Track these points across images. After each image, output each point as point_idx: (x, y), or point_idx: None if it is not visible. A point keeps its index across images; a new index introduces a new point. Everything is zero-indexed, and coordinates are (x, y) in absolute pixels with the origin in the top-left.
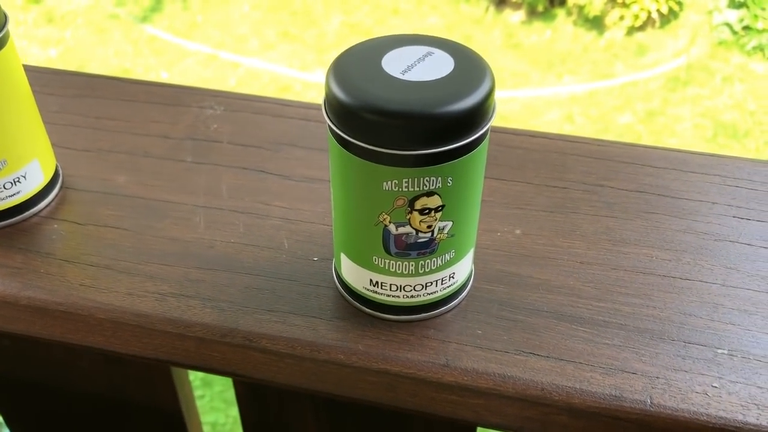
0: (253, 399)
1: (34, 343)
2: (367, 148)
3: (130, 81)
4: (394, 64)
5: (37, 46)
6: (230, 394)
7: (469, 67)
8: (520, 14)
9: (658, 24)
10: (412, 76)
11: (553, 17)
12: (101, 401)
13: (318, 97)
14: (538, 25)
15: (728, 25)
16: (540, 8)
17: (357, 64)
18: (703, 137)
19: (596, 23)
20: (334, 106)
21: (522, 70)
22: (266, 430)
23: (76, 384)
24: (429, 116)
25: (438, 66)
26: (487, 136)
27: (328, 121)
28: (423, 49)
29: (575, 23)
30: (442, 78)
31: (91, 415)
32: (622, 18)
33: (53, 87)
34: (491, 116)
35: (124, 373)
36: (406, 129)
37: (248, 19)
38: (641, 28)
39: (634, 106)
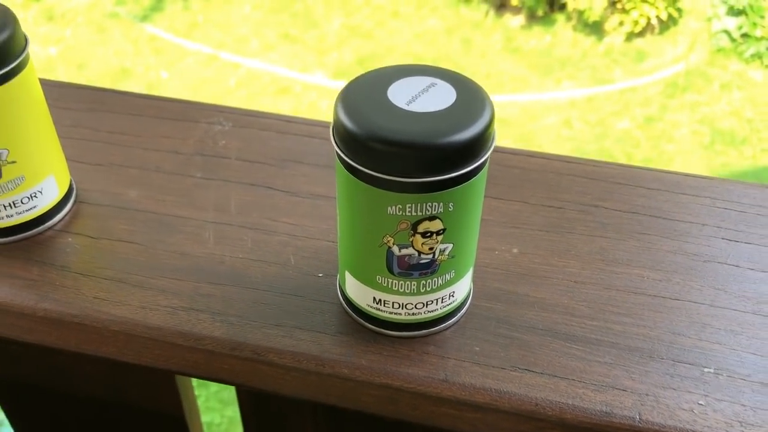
0: (255, 405)
1: (41, 348)
2: (372, 175)
3: (140, 96)
4: (399, 94)
5: (38, 44)
6: (226, 394)
7: (470, 98)
8: (520, 18)
9: (657, 30)
10: (416, 107)
11: (552, 22)
12: (105, 405)
13: (318, 99)
14: (537, 29)
15: (727, 32)
16: (540, 13)
17: (364, 93)
18: (701, 144)
19: (596, 29)
20: (341, 134)
21: (521, 74)
22: None
23: (80, 388)
24: (432, 146)
25: (441, 97)
26: (487, 164)
27: (336, 148)
28: (427, 80)
29: (575, 28)
30: (445, 109)
31: (95, 419)
32: (621, 24)
33: (66, 101)
34: (491, 145)
35: (127, 377)
36: (410, 158)
37: (249, 19)
38: (640, 34)
39: (632, 112)
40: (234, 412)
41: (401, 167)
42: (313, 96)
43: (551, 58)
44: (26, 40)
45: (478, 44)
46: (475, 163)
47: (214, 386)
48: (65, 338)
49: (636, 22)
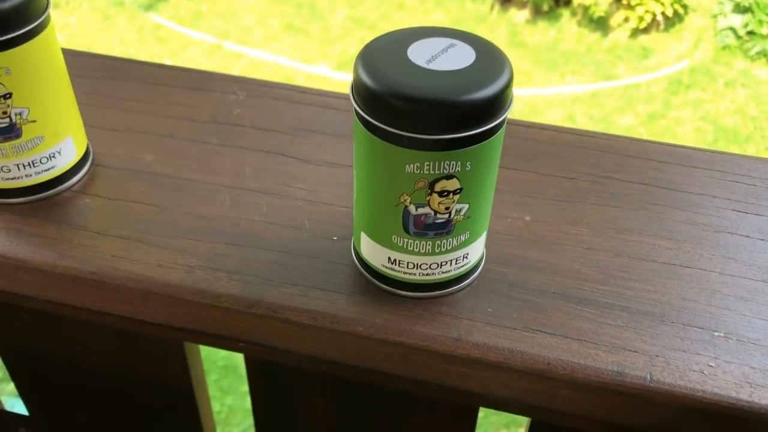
0: (263, 378)
1: (52, 319)
2: (391, 132)
3: (155, 65)
4: (419, 54)
5: None
6: (226, 382)
7: (490, 58)
8: (525, 13)
9: (662, 27)
10: (436, 65)
11: (557, 17)
12: (114, 377)
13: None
14: (542, 24)
15: (733, 29)
16: (545, 8)
17: (384, 52)
18: (704, 141)
19: (601, 24)
20: (361, 91)
21: (525, 69)
22: (275, 409)
23: (90, 360)
24: (451, 103)
25: (460, 57)
26: (505, 124)
27: (355, 106)
28: (446, 41)
29: (579, 24)
30: (465, 68)
31: (104, 391)
32: (626, 20)
33: (82, 69)
34: (509, 105)
35: (137, 350)
36: (429, 115)
37: (253, 9)
38: (645, 30)
39: (635, 108)
40: (234, 400)
41: (420, 124)
42: (317, 87)
43: (555, 53)
44: (48, 0)
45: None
46: (493, 121)
47: (214, 375)
48: (83, 295)
49: (641, 18)
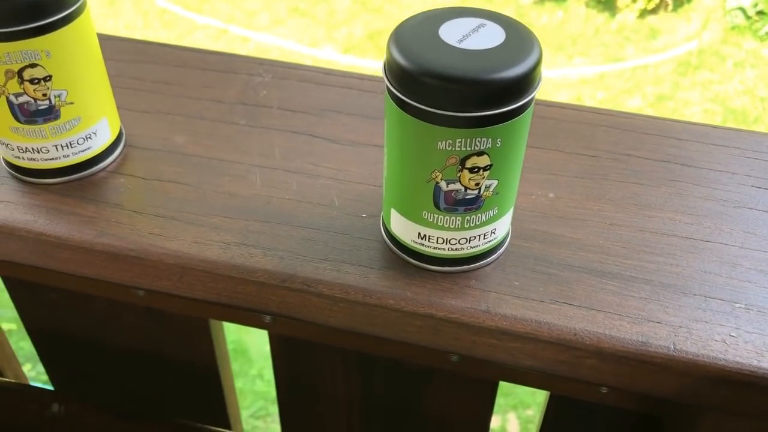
0: (287, 354)
1: (79, 298)
2: (424, 110)
3: (181, 48)
4: (451, 33)
5: None
6: (236, 365)
7: (519, 38)
8: None
9: (670, 7)
10: (467, 44)
11: None
12: (140, 355)
13: None
14: (549, 5)
15: (742, 9)
16: None
17: (416, 32)
18: (712, 123)
19: (608, 5)
20: (394, 70)
21: None
22: (299, 384)
23: (116, 338)
24: (483, 81)
25: (490, 37)
26: (533, 102)
27: (388, 84)
28: (476, 21)
29: (587, 5)
30: (495, 47)
31: (129, 368)
32: (634, 0)
33: (110, 52)
34: (538, 84)
35: (163, 328)
36: (461, 93)
37: None
38: (654, 11)
39: (643, 90)
40: (243, 383)
41: (453, 102)
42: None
43: (563, 35)
44: None
45: None
46: (523, 99)
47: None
48: (121, 272)
49: None
